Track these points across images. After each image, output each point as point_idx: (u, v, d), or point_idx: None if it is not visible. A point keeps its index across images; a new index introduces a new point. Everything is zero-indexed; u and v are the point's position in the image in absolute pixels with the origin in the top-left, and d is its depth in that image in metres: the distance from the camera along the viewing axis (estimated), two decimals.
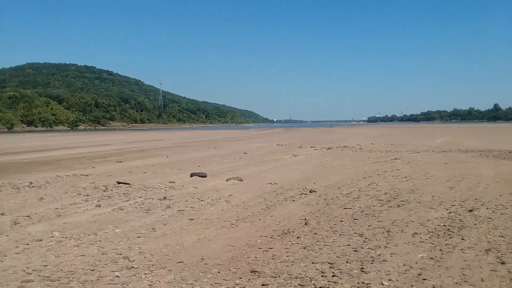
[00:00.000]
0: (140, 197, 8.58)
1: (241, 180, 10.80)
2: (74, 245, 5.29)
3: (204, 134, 55.46)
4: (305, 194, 8.84)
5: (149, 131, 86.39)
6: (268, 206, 7.65)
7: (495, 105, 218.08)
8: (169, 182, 10.45)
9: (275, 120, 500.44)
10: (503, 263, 4.41)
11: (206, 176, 11.41)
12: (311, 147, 23.98)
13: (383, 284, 3.89)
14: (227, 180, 10.78)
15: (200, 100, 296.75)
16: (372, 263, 4.46)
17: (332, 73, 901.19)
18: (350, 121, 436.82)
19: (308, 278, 4.09)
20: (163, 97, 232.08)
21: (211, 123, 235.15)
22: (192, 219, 6.69)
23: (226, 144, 28.94)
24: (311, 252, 4.92)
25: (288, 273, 4.24)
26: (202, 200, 8.27)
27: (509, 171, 11.80)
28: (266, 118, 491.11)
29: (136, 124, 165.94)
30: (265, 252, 4.98)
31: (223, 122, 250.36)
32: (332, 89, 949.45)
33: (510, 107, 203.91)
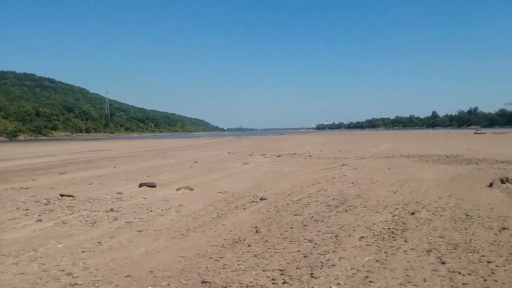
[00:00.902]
0: (85, 209, 8.23)
1: (191, 189, 10.67)
2: (13, 263, 4.97)
3: (153, 143, 54.34)
4: (256, 202, 8.89)
5: (96, 140, 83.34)
6: (219, 215, 7.61)
7: (433, 113, 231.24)
8: (117, 193, 10.12)
9: (225, 128, 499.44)
10: (443, 263, 4.64)
11: (155, 186, 11.17)
12: (261, 155, 24.17)
13: None
14: (177, 189, 10.61)
15: (149, 109, 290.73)
16: (321, 268, 4.55)
17: (281, 82, 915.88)
18: (299, 128, 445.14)
19: (259, 286, 4.10)
20: (109, 105, 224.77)
21: (161, 132, 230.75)
22: (140, 231, 6.51)
23: (176, 153, 28.53)
24: (262, 259, 4.94)
25: (239, 282, 4.23)
26: (151, 211, 8.08)
27: (446, 175, 12.51)
28: (217, 126, 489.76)
29: (81, 134, 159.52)
30: (216, 261, 4.93)
31: (173, 131, 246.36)
32: (282, 97, 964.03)
33: (446, 114, 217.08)
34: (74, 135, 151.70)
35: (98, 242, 5.88)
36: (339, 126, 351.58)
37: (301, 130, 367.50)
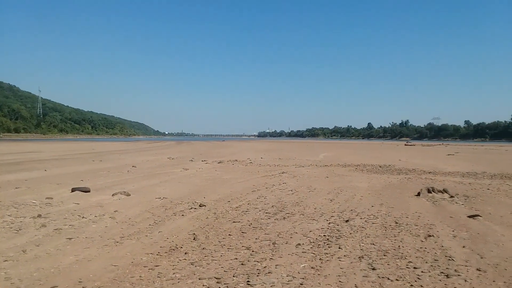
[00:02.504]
0: (10, 215, 7.67)
1: (128, 194, 10.31)
2: None
3: (90, 146, 51.99)
4: (195, 208, 8.77)
5: (26, 141, 78.22)
6: (156, 222, 7.41)
7: (369, 124, 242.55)
8: (46, 198, 9.53)
9: (167, 133, 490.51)
10: (373, 269, 4.84)
11: (89, 191, 10.66)
12: (202, 160, 23.96)
13: None
14: (113, 195, 10.20)
15: (86, 110, 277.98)
16: (258, 276, 4.56)
17: (224, 88, 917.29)
18: (241, 135, 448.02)
19: None
20: (42, 105, 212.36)
21: (98, 134, 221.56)
22: (70, 238, 6.17)
23: (114, 157, 27.49)
24: (198, 267, 4.87)
25: None
26: (83, 217, 7.69)
27: (379, 184, 13.12)
28: (158, 130, 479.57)
29: (10, 134, 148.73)
30: (150, 270, 4.78)
31: (111, 134, 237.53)
32: (225, 104, 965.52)
33: (381, 126, 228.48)
34: (1, 135, 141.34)
35: (23, 251, 5.49)
36: (280, 134, 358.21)
37: (243, 137, 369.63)
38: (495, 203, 9.63)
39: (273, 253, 5.48)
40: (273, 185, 12.70)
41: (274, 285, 4.27)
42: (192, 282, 4.37)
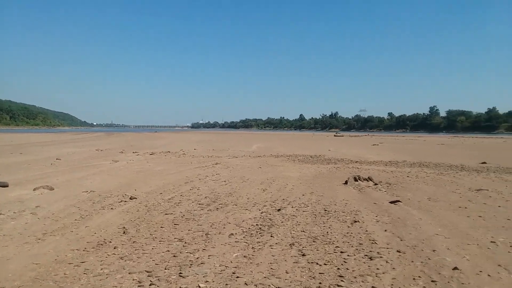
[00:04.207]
0: None
1: (51, 189, 9.72)
2: None
3: (8, 137, 48.19)
4: (125, 201, 8.48)
5: None
6: (83, 216, 7.07)
7: (301, 116, 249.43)
8: None
9: (95, 123, 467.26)
10: (303, 255, 5.00)
11: (7, 186, 9.90)
12: (133, 152, 23.21)
13: (199, 287, 3.98)
14: (34, 189, 9.56)
15: (4, 99, 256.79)
16: (190, 267, 4.53)
17: (156, 78, 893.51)
18: (174, 126, 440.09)
19: None
20: None
21: (18, 125, 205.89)
22: None
23: (36, 149, 25.71)
24: (128, 262, 4.72)
25: (102, 287, 3.97)
26: (1, 214, 7.13)
27: (310, 174, 13.56)
28: (85, 121, 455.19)
29: None
30: (76, 267, 4.56)
31: (32, 125, 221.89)
32: (157, 95, 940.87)
33: (312, 118, 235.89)
34: None
35: None
36: (214, 125, 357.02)
37: (176, 128, 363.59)
38: (414, 189, 10.36)
39: (206, 243, 5.46)
40: (207, 176, 12.64)
41: (207, 275, 4.27)
42: (122, 277, 4.23)
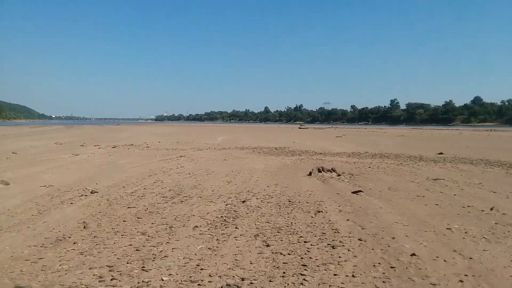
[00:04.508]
0: None
1: (7, 184, 9.31)
2: None
3: None
4: (86, 195, 8.24)
5: None
6: (40, 212, 6.81)
7: (266, 108, 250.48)
8: None
9: (53, 116, 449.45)
10: (268, 245, 5.04)
11: None
12: (95, 145, 22.57)
13: (163, 280, 3.93)
14: None
15: None
16: (153, 261, 4.47)
17: (119, 70, 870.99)
18: (137, 119, 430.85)
19: (83, 286, 3.80)
20: None
21: None
22: None
23: None
24: (89, 257, 4.60)
25: (61, 283, 3.85)
26: None
27: (274, 165, 13.66)
28: (43, 114, 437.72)
29: None
30: (33, 263, 4.39)
31: None
32: (119, 86, 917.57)
33: (277, 110, 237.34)
34: None
35: None
36: (179, 118, 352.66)
37: (140, 121, 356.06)
38: (375, 179, 10.64)
39: (169, 237, 5.40)
40: (171, 169, 12.48)
41: (170, 269, 4.22)
42: (82, 273, 4.12)
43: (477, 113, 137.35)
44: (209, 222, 6.16)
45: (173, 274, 4.08)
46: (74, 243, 5.11)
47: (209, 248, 4.91)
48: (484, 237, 5.44)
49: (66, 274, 4.09)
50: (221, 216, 6.54)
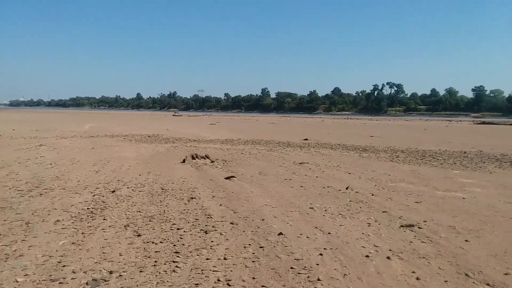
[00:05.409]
0: None
1: None
2: None
3: None
4: None
5: None
6: None
7: (138, 94, 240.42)
8: None
9: None
10: (139, 235, 4.87)
11: None
12: None
13: (17, 281, 3.53)
14: None
15: None
16: (6, 261, 3.98)
17: None
18: None
19: None
20: None
21: None
22: None
23: None
24: None
25: None
26: None
27: (147, 153, 13.25)
28: None
29: None
30: None
31: None
32: None
33: (150, 97, 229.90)
34: None
35: None
36: (39, 103, 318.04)
37: None
38: (247, 165, 11.04)
39: (26, 234, 4.86)
40: (28, 159, 11.22)
41: (27, 268, 3.80)
42: None
43: (336, 102, 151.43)
44: (73, 215, 5.70)
45: (30, 274, 3.69)
46: None
47: (73, 243, 4.55)
48: (340, 214, 6.05)
49: None
50: (88, 208, 6.11)
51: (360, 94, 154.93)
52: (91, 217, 5.63)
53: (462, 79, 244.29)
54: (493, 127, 42.29)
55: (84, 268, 3.86)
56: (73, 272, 3.76)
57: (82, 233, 4.92)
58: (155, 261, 4.05)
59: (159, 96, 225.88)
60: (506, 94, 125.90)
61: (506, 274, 3.89)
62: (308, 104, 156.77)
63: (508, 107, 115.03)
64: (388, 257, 4.27)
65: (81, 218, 5.55)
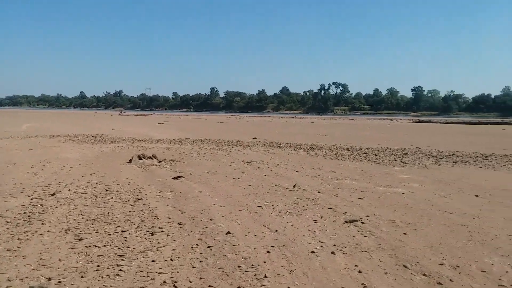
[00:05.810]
0: None
1: None
2: None
3: None
4: None
5: None
6: None
7: (81, 93, 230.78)
8: None
9: None
10: (81, 239, 4.67)
11: None
12: None
13: None
14: None
15: None
16: None
17: None
18: None
19: None
20: None
21: None
22: None
23: None
24: None
25: None
26: None
27: (91, 154, 12.76)
28: None
29: None
30: None
31: None
32: None
33: (94, 95, 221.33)
34: None
35: None
36: None
37: None
38: (195, 164, 10.93)
39: None
40: None
41: None
42: None
43: (285, 101, 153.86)
44: (8, 220, 5.37)
45: None
46: None
47: (8, 250, 4.28)
48: (287, 211, 6.15)
49: None
50: (25, 212, 5.78)
51: (308, 94, 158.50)
52: (28, 222, 5.33)
53: (402, 79, 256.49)
54: (430, 125, 44.91)
55: (20, 275, 3.65)
56: (8, 280, 3.55)
57: (18, 239, 4.65)
58: (98, 266, 3.91)
59: (104, 95, 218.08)
60: (442, 94, 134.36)
61: (441, 264, 4.12)
62: (257, 103, 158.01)
63: (444, 107, 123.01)
64: (332, 252, 4.40)
65: (17, 223, 5.24)
